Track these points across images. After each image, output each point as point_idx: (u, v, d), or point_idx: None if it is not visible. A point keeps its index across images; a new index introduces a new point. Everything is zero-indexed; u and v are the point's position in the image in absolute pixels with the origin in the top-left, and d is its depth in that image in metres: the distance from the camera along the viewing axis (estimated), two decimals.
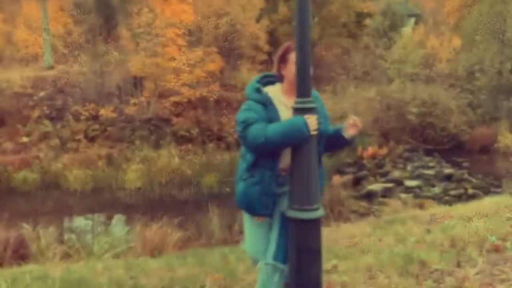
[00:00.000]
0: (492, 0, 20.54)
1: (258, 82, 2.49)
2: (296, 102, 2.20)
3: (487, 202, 6.64)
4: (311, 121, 2.18)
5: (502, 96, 19.11)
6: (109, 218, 10.52)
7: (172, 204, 11.15)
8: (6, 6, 21.31)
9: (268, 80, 2.52)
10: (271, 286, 2.34)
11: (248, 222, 2.56)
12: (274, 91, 2.44)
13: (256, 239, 2.50)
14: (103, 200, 11.86)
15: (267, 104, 2.37)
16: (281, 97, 2.44)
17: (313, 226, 2.13)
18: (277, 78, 2.50)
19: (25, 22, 20.00)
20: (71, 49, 18.23)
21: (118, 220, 10.10)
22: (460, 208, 6.36)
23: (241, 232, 7.61)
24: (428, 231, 4.96)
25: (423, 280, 3.24)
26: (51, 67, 17.53)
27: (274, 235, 2.39)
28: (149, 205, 11.17)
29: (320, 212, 2.17)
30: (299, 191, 2.17)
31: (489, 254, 3.74)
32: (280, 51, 2.49)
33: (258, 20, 21.28)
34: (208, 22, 18.47)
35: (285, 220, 2.33)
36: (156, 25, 14.63)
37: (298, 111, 2.20)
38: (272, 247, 2.37)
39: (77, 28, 19.94)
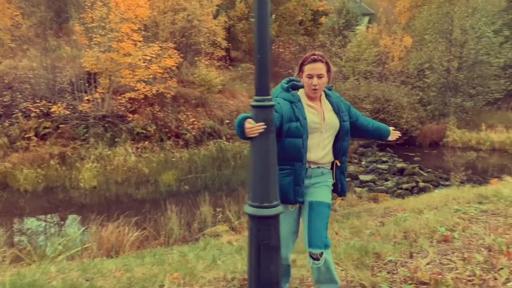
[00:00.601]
0: (440, 1, 21.42)
1: (286, 83, 2.71)
2: (254, 100, 2.23)
3: (437, 195, 6.97)
4: (249, 126, 2.21)
5: (450, 93, 20.03)
6: (63, 218, 10.17)
7: (129, 203, 10.91)
8: None
9: (294, 84, 2.72)
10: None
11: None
12: (301, 94, 2.69)
13: (283, 228, 2.58)
14: (56, 200, 11.44)
15: (295, 101, 2.61)
16: (306, 100, 2.69)
17: (272, 222, 2.16)
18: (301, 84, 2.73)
19: None
20: (19, 43, 17.40)
21: (72, 220, 9.78)
22: (412, 201, 6.63)
23: (199, 230, 7.58)
24: (382, 224, 5.13)
25: (378, 272, 3.36)
26: None
27: (305, 224, 2.64)
28: (105, 204, 10.89)
29: (279, 209, 2.20)
30: (258, 188, 2.19)
31: (439, 245, 3.93)
32: (300, 60, 2.74)
33: (215, 17, 21.16)
34: (165, 17, 18.17)
35: (312, 210, 2.60)
36: (111, 20, 14.22)
37: (254, 108, 2.22)
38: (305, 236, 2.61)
39: (26, 21, 19.04)
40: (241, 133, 2.25)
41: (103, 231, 6.42)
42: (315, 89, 2.64)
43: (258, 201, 2.17)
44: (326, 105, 2.74)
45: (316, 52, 2.72)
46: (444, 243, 3.96)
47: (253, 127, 2.21)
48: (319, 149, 2.65)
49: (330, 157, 2.73)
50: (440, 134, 18.65)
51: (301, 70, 2.71)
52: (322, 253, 2.54)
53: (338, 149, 2.73)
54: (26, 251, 6.23)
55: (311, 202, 2.62)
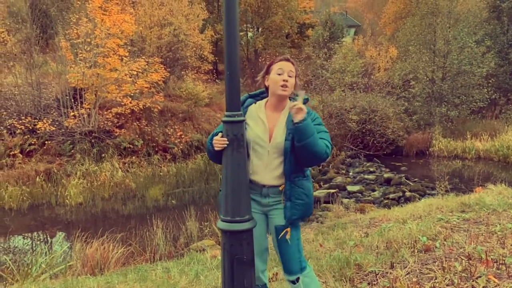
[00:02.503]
0: (423, 13, 21.80)
1: (245, 96, 2.60)
2: (225, 115, 2.25)
3: (422, 204, 7.01)
4: (217, 139, 2.30)
5: (435, 103, 20.26)
6: (49, 236, 10.04)
7: (116, 219, 10.82)
8: None
9: (264, 96, 2.62)
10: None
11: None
12: (259, 105, 2.54)
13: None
14: (41, 217, 11.30)
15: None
16: (261, 110, 2.51)
17: (245, 236, 2.16)
18: (266, 93, 2.59)
19: None
20: (4, 59, 17.30)
21: (58, 238, 9.65)
22: (397, 211, 6.67)
23: (186, 245, 7.53)
24: (367, 235, 5.15)
25: (358, 283, 3.36)
26: None
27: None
28: (91, 221, 10.77)
29: (251, 223, 2.21)
30: (230, 203, 2.20)
31: (420, 254, 3.95)
32: (268, 63, 2.58)
33: (202, 31, 21.31)
34: (151, 32, 18.26)
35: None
36: (96, 35, 14.25)
37: (224, 123, 2.26)
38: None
39: (12, 38, 18.97)
40: (211, 145, 2.34)
41: (87, 248, 6.37)
42: (285, 86, 2.41)
43: (229, 216, 2.17)
44: (284, 121, 2.47)
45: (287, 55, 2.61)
46: (425, 253, 3.99)
47: (218, 139, 2.28)
48: (267, 171, 2.43)
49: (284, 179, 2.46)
50: (426, 143, 18.82)
51: (268, 71, 2.51)
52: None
53: (285, 170, 2.42)
54: (9, 270, 6.14)
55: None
